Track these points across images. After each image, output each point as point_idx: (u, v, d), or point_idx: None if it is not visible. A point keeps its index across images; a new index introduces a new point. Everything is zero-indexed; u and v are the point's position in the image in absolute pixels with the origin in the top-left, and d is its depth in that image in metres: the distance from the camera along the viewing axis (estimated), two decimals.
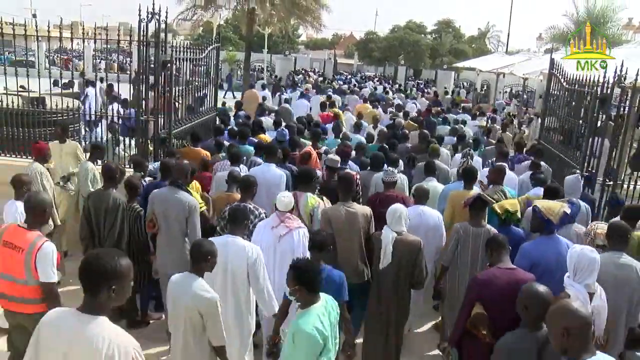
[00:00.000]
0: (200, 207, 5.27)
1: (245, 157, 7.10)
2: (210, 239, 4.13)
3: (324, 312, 3.20)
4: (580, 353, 2.39)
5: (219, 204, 5.66)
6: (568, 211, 4.61)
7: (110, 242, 5.13)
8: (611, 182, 7.25)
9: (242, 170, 6.40)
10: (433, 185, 6.34)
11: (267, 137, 8.53)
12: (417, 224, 5.18)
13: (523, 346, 2.97)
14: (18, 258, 3.80)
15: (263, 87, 19.15)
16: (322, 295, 3.30)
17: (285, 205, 4.67)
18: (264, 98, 15.06)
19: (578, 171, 7.25)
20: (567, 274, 3.64)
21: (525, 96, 24.87)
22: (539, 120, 15.21)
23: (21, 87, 8.58)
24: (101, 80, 14.34)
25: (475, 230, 4.84)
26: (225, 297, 4.12)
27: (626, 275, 3.94)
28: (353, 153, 7.59)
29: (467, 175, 5.99)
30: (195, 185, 5.80)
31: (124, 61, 22.71)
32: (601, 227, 4.60)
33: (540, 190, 5.82)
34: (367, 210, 5.11)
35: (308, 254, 4.21)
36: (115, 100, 10.39)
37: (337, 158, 6.54)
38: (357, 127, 10.28)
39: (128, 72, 16.61)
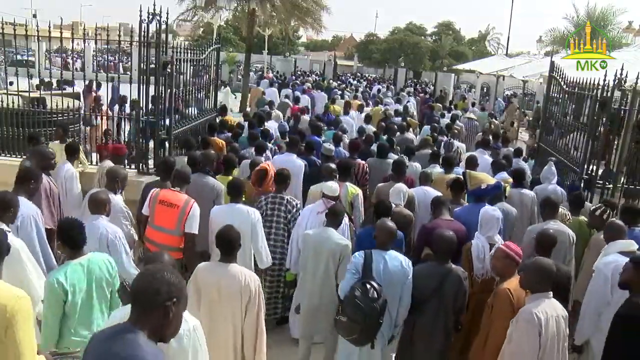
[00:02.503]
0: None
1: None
2: (215, 207, 5.23)
3: (79, 268, 3.44)
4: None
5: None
6: (483, 187, 5.83)
7: None
8: (610, 185, 7.27)
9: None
10: (436, 170, 7.21)
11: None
12: (421, 200, 6.14)
13: (430, 273, 4.18)
14: (172, 213, 4.92)
15: (271, 84, 20.97)
16: (93, 255, 3.59)
17: (333, 191, 5.42)
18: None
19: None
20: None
21: (526, 98, 24.94)
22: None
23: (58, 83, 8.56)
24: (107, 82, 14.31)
25: (453, 207, 5.71)
26: None
27: (561, 239, 4.85)
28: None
29: (445, 162, 7.25)
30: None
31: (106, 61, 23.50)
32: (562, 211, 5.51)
33: (503, 174, 7.01)
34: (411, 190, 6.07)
35: (349, 238, 5.07)
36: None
37: (332, 147, 7.69)
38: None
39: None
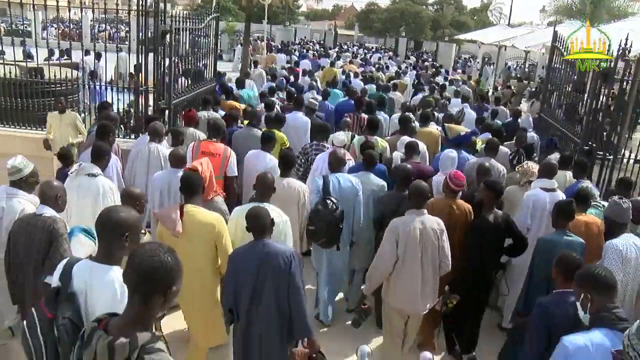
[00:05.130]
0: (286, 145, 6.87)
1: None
2: (249, 152, 6.06)
3: None
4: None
5: None
6: (462, 134, 7.08)
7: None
8: (611, 157, 7.25)
9: None
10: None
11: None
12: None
13: (391, 198, 5.04)
14: (215, 161, 5.50)
15: (278, 51, 24.20)
16: None
17: (340, 141, 6.34)
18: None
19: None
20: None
21: (526, 69, 24.76)
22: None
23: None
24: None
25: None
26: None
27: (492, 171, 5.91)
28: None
29: (422, 117, 8.19)
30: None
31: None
32: (531, 165, 5.97)
33: (488, 135, 7.74)
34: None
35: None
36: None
37: (316, 102, 8.66)
38: (356, 75, 15.49)
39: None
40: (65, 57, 10.57)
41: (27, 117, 7.98)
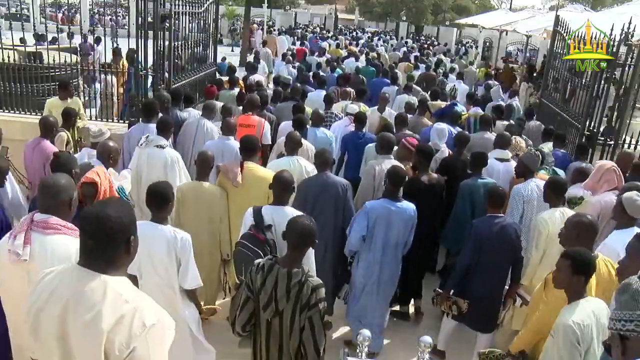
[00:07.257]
0: None
1: None
2: (283, 122, 6.95)
3: None
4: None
5: None
6: (442, 106, 8.30)
7: None
8: (612, 142, 7.23)
9: None
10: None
11: None
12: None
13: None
14: (251, 131, 6.29)
15: (279, 33, 26.10)
16: None
17: (353, 110, 7.41)
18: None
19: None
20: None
21: (527, 54, 24.59)
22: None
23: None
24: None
25: None
26: None
27: (484, 143, 6.60)
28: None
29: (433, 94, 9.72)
30: None
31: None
32: (519, 140, 6.60)
33: (477, 109, 8.89)
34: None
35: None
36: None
37: (290, 77, 10.43)
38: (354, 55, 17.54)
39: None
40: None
41: (26, 102, 7.94)
